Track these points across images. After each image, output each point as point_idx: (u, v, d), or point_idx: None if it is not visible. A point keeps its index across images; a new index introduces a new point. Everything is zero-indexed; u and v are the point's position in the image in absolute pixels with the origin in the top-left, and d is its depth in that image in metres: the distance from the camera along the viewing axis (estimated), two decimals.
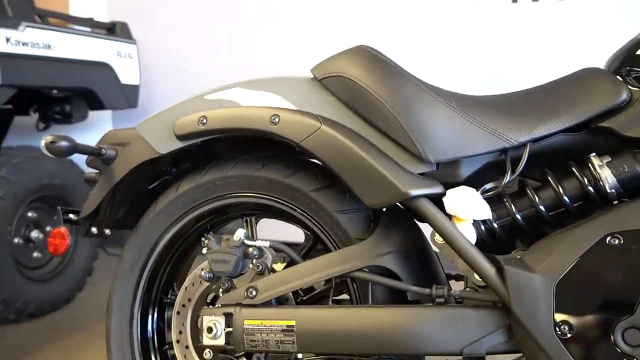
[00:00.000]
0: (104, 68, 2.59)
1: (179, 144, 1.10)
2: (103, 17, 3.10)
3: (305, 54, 2.74)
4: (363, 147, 0.93)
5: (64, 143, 1.11)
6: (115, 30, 2.77)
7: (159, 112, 1.16)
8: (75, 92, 2.50)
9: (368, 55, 0.98)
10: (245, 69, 2.78)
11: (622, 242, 0.79)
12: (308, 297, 1.10)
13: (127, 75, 2.73)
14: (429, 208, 0.89)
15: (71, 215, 1.24)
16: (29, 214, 2.27)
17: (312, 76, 1.03)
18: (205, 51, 3.07)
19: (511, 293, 0.82)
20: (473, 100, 0.95)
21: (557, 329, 0.79)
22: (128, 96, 2.75)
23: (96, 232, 1.26)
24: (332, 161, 0.95)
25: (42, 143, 1.11)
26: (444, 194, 0.90)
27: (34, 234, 2.29)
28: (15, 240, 2.21)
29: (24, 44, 2.17)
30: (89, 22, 2.73)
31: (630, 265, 0.78)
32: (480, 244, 0.91)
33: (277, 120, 0.99)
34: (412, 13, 2.72)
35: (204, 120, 1.06)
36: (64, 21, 2.62)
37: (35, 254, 2.31)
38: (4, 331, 2.13)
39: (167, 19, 3.14)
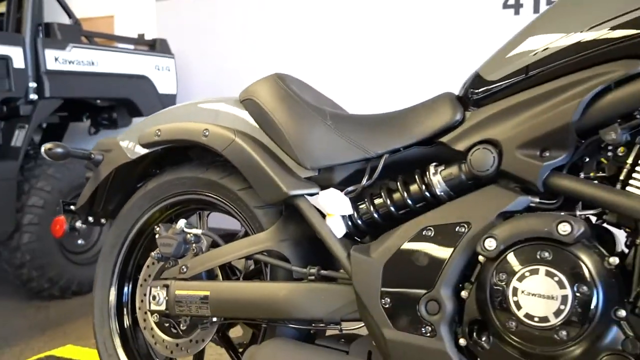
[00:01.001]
0: (143, 80, 2.96)
1: (143, 151, 1.39)
2: (152, 33, 3.50)
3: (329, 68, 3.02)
4: (262, 155, 1.18)
5: (59, 150, 1.43)
6: (155, 46, 3.15)
7: (134, 126, 1.47)
8: (116, 101, 2.89)
9: (272, 83, 1.23)
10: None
11: (432, 233, 0.99)
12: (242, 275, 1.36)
13: (164, 85, 3.10)
14: (305, 205, 1.13)
15: (71, 207, 1.57)
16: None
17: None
18: (240, 63, 3.39)
19: (353, 272, 1.04)
20: (348, 119, 1.17)
21: (382, 301, 1.01)
22: (165, 105, 3.10)
23: (92, 220, 1.58)
24: (241, 166, 1.20)
25: (42, 149, 1.44)
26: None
27: (78, 224, 2.68)
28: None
29: (70, 62, 2.56)
30: (133, 40, 3.12)
31: (435, 252, 0.98)
32: (354, 234, 1.15)
33: (207, 133, 1.26)
34: (416, 30, 2.92)
35: (159, 133, 1.34)
36: (111, 40, 3.02)
37: (80, 241, 2.70)
38: (48, 305, 2.53)
39: (209, 34, 3.48)
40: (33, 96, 2.40)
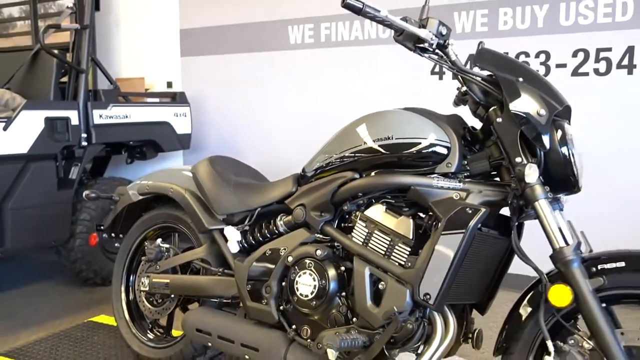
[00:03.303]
0: (164, 125, 3.98)
1: (139, 197, 2.37)
2: (178, 82, 4.53)
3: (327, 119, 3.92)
4: (196, 205, 2.13)
5: (93, 195, 2.44)
6: (175, 98, 4.16)
7: (137, 180, 2.45)
8: (144, 142, 3.91)
9: (205, 164, 2.18)
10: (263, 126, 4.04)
11: (271, 252, 1.92)
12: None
13: (181, 128, 4.10)
14: (217, 234, 2.08)
15: (101, 227, 2.58)
16: None
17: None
18: (245, 108, 4.36)
19: (235, 272, 1.98)
20: (242, 185, 2.10)
21: (247, 287, 1.94)
22: (182, 142, 4.12)
23: (114, 236, 2.58)
24: (187, 210, 2.16)
25: (84, 194, 2.44)
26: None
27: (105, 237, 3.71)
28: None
29: (109, 117, 3.59)
30: (158, 95, 4.15)
31: (271, 261, 1.91)
32: (243, 251, 2.07)
33: (172, 190, 2.23)
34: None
35: (147, 187, 2.32)
36: (141, 97, 4.06)
37: (117, 245, 3.72)
38: (93, 290, 3.55)
39: (222, 84, 4.46)
40: (84, 143, 3.43)
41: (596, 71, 3.17)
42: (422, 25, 1.61)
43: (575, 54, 3.21)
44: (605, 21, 3.11)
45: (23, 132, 3.09)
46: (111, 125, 3.60)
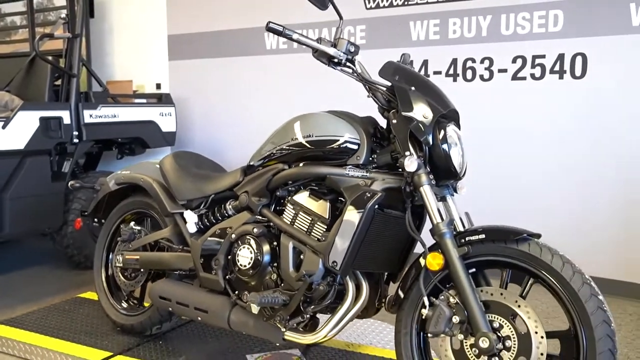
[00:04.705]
0: (151, 124, 4.36)
1: (116, 187, 2.76)
2: (166, 83, 4.93)
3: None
4: (162, 193, 2.51)
5: (77, 184, 2.84)
6: (161, 99, 4.54)
7: (116, 171, 2.84)
8: (132, 139, 4.30)
9: (170, 159, 2.56)
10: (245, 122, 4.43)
11: (219, 231, 2.30)
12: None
13: (166, 126, 4.49)
14: (178, 217, 2.46)
15: (84, 213, 2.96)
16: None
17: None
18: (226, 108, 4.75)
19: (191, 248, 2.36)
20: (200, 175, 2.47)
21: (201, 260, 2.32)
22: (167, 139, 4.51)
23: (96, 221, 2.97)
24: (154, 197, 2.54)
25: (69, 184, 2.84)
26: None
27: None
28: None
29: (99, 116, 3.98)
30: (144, 96, 4.54)
31: (219, 237, 2.29)
32: (200, 231, 2.45)
33: (142, 180, 2.61)
34: None
35: (122, 178, 2.70)
36: (129, 98, 4.45)
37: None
38: (84, 272, 3.92)
39: (206, 85, 4.85)
40: (75, 140, 3.82)
41: (532, 76, 3.52)
42: (334, 44, 1.98)
43: (514, 60, 3.57)
44: (540, 31, 3.47)
45: (20, 130, 3.48)
46: (100, 124, 3.98)
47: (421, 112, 1.90)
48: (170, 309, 2.40)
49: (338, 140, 2.02)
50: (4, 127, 3.40)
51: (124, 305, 2.79)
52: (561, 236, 3.30)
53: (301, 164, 2.12)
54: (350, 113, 2.14)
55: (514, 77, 3.58)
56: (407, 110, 1.90)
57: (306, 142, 2.08)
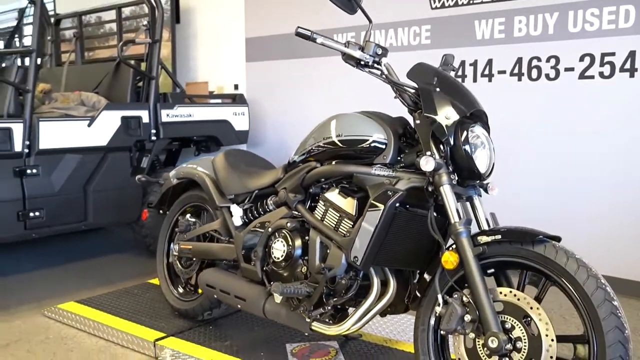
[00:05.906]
0: (224, 123, 4.60)
1: (176, 181, 2.97)
2: (243, 84, 5.17)
3: None
4: (212, 187, 2.69)
5: (143, 179, 3.08)
6: (235, 99, 4.78)
7: (177, 167, 3.06)
8: (207, 137, 4.56)
9: (220, 157, 2.73)
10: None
11: (260, 225, 2.43)
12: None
13: (239, 125, 4.72)
14: (225, 210, 2.62)
15: (150, 204, 3.21)
16: None
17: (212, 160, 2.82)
18: (299, 108, 4.91)
19: (235, 240, 2.50)
20: (248, 172, 2.62)
21: (243, 252, 2.46)
22: (240, 137, 4.74)
23: (161, 212, 3.21)
24: (206, 192, 2.72)
25: (136, 178, 3.09)
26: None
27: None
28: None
29: (175, 115, 4.26)
30: (220, 96, 4.79)
31: (260, 230, 2.42)
32: (245, 223, 2.59)
33: (197, 175, 2.80)
34: None
35: (181, 173, 2.92)
36: (205, 99, 4.72)
37: None
38: None
39: (281, 86, 5.03)
40: (153, 138, 4.12)
41: (601, 74, 3.38)
42: (362, 47, 2.05)
43: (582, 59, 3.44)
44: (609, 28, 3.32)
45: (103, 128, 3.82)
46: (176, 123, 4.27)
47: (444, 113, 1.92)
48: (215, 296, 2.57)
49: (367, 139, 2.09)
50: (89, 125, 3.74)
51: (180, 291, 3.00)
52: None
53: (333, 162, 2.20)
54: (381, 113, 2.20)
55: (582, 75, 3.45)
56: (429, 112, 1.93)
57: (338, 140, 2.16)
